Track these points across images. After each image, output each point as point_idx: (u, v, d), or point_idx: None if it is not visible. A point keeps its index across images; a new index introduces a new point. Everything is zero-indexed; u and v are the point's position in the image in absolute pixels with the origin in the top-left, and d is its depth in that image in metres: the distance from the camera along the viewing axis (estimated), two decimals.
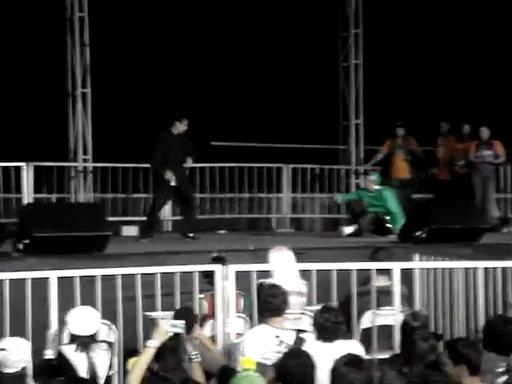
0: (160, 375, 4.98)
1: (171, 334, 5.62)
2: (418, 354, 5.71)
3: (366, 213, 12.15)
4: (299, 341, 6.26)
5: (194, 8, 14.98)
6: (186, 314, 6.26)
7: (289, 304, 6.63)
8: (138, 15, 14.78)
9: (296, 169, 14.32)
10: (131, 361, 5.88)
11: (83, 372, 6.12)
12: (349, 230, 12.24)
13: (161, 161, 11.58)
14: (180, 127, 11.73)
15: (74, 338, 6.28)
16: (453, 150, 14.33)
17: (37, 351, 6.55)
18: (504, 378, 5.14)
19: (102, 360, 6.24)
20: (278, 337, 6.26)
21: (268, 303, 6.40)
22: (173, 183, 11.48)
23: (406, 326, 6.16)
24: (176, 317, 6.14)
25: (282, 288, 6.57)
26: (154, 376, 5.11)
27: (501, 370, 5.12)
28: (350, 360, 4.94)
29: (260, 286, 6.84)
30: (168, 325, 5.62)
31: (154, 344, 5.41)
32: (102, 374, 6.20)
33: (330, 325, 6.17)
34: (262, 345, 6.22)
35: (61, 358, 6.22)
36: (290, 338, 6.28)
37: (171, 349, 5.68)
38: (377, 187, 12.25)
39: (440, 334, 6.39)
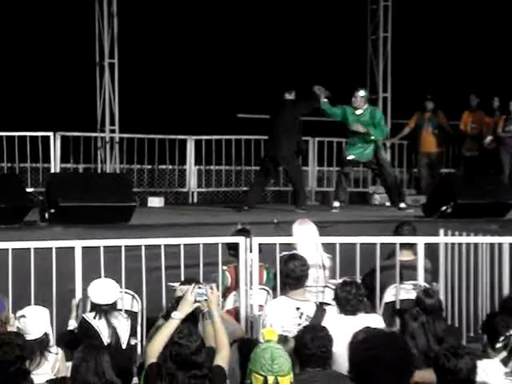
0: (174, 341, 4.99)
1: (198, 304, 5.65)
2: (410, 334, 5.71)
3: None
4: (320, 312, 6.28)
5: None
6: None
7: (309, 276, 6.63)
8: None
9: (322, 142, 14.28)
10: (152, 330, 5.95)
11: (105, 337, 6.22)
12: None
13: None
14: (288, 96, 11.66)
15: (94, 307, 6.37)
16: (481, 124, 14.20)
17: (61, 320, 6.64)
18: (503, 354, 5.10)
19: (123, 327, 6.35)
20: (298, 309, 6.28)
21: (287, 275, 6.42)
22: None
23: (416, 303, 6.13)
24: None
25: (302, 259, 6.57)
26: (170, 343, 5.12)
27: (498, 345, 5.08)
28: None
29: (282, 259, 6.85)
30: (194, 294, 5.63)
31: (178, 316, 5.43)
32: (123, 340, 6.30)
33: (352, 298, 6.18)
34: (283, 317, 6.25)
35: (83, 324, 6.32)
36: (310, 310, 6.30)
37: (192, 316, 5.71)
38: (365, 105, 11.88)
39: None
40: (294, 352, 5.32)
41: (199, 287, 5.70)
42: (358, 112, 11.67)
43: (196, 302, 5.58)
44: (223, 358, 5.36)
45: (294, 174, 11.76)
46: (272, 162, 11.77)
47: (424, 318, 5.77)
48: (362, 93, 11.88)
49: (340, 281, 6.73)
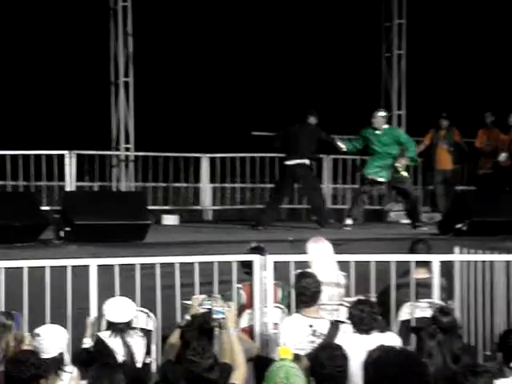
0: (187, 358, 4.98)
1: (203, 310, 5.82)
2: (427, 352, 5.66)
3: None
4: (333, 329, 6.26)
5: (239, 1, 14.97)
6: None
7: (322, 293, 6.63)
8: (180, 4, 14.82)
9: (336, 159, 14.27)
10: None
11: (120, 356, 6.23)
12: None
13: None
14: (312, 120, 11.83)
15: (109, 325, 6.38)
16: (496, 141, 14.16)
17: (76, 338, 6.64)
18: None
19: (138, 345, 6.36)
20: (311, 326, 6.27)
21: (301, 293, 6.41)
22: None
23: (433, 321, 6.09)
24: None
25: (315, 277, 6.57)
26: (182, 360, 5.12)
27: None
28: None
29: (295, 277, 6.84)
30: (201, 301, 5.84)
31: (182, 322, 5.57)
32: (139, 359, 6.29)
33: (365, 317, 6.15)
34: (296, 334, 6.23)
35: (98, 343, 6.32)
36: (323, 327, 6.29)
37: (202, 328, 5.74)
38: (385, 125, 11.93)
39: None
40: (309, 371, 5.30)
41: (214, 304, 5.79)
42: (378, 132, 11.72)
43: (213, 319, 5.65)
44: (239, 376, 5.35)
45: (313, 192, 11.82)
46: (289, 182, 11.84)
47: (441, 337, 5.73)
48: (381, 113, 11.94)
49: (354, 299, 6.71)
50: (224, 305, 5.94)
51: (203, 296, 6.19)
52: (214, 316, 5.90)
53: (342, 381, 5.20)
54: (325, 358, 5.18)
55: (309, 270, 6.90)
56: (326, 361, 5.17)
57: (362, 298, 6.50)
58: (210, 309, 5.97)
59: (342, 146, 11.94)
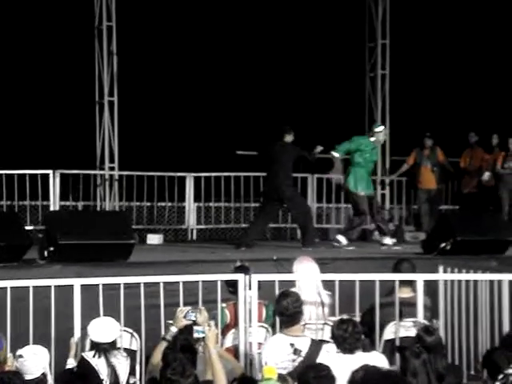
0: (167, 377, 4.96)
1: (188, 322, 5.96)
2: (411, 371, 5.66)
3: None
4: (314, 347, 6.26)
5: (223, 18, 15.03)
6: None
7: (304, 312, 6.62)
8: (165, 23, 14.85)
9: (320, 179, 14.30)
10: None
11: (104, 376, 6.20)
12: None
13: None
14: (289, 138, 11.86)
15: (94, 345, 6.35)
16: (480, 161, 14.24)
17: (60, 358, 6.60)
18: None
19: (122, 366, 6.33)
20: (292, 345, 6.26)
21: (281, 313, 6.42)
22: None
23: (418, 340, 6.09)
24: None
25: (296, 296, 6.56)
26: (162, 379, 5.11)
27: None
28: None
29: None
30: (185, 313, 6.06)
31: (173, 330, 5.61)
32: (123, 379, 6.27)
33: (348, 337, 6.15)
34: (277, 354, 6.23)
35: (82, 363, 6.29)
36: (304, 345, 6.28)
37: (183, 347, 5.75)
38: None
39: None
40: None
41: (199, 316, 5.99)
42: (372, 144, 11.93)
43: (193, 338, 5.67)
44: None
45: (298, 211, 11.82)
46: (273, 203, 11.84)
47: (425, 356, 5.73)
48: (382, 127, 12.35)
49: (338, 318, 6.71)
50: (207, 316, 5.99)
51: (188, 308, 6.22)
52: (195, 335, 5.93)
53: None
54: (311, 378, 5.18)
55: (292, 289, 6.89)
56: (312, 380, 5.17)
57: (344, 317, 6.50)
58: (194, 321, 6.01)
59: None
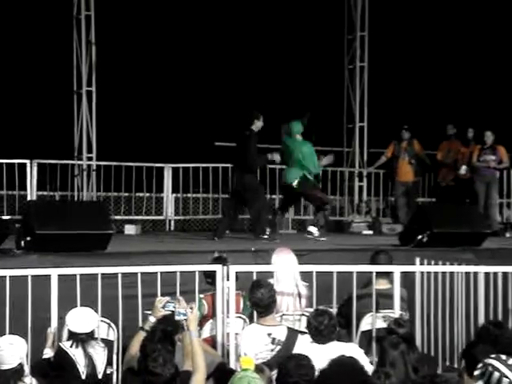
0: (148, 369, 4.96)
1: (167, 312, 5.96)
2: (390, 362, 5.68)
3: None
4: (291, 335, 6.29)
5: (199, 8, 15.01)
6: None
7: (278, 302, 6.65)
8: (143, 13, 14.82)
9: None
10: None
11: (81, 367, 6.19)
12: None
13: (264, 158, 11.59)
14: (259, 124, 11.56)
15: (71, 335, 6.34)
16: (457, 153, 14.32)
17: (37, 349, 6.59)
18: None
19: (100, 356, 6.32)
20: (269, 334, 6.30)
21: (256, 303, 6.45)
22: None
23: (388, 333, 6.12)
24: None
25: (269, 286, 6.59)
26: (142, 371, 5.10)
27: (476, 372, 5.08)
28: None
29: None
30: (163, 302, 6.08)
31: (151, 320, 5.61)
32: (99, 369, 6.27)
33: (323, 328, 6.17)
34: (255, 344, 6.25)
35: (60, 353, 6.29)
36: (281, 334, 6.32)
37: (164, 333, 5.76)
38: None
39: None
40: (276, 380, 5.32)
41: (173, 303, 6.01)
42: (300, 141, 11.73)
43: (175, 321, 5.70)
44: (199, 379, 5.35)
45: (252, 203, 11.66)
46: (238, 193, 11.76)
47: (403, 347, 5.75)
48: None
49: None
50: (186, 306, 6.00)
51: (166, 298, 6.22)
52: (176, 317, 5.95)
53: None
54: (292, 367, 5.20)
55: (267, 280, 6.90)
56: (292, 369, 5.19)
57: (320, 308, 6.53)
58: (172, 311, 6.02)
59: (277, 158, 11.82)
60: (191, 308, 5.92)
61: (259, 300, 6.42)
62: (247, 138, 11.47)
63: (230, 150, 12.58)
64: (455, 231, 10.21)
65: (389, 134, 14.39)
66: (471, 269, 7.96)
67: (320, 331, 6.16)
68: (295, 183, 11.57)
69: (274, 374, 5.81)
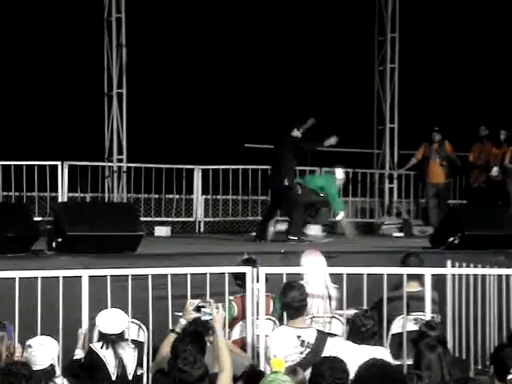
0: (178, 367, 4.95)
1: (198, 315, 5.97)
2: (426, 364, 5.63)
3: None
4: (321, 338, 6.27)
5: (231, 8, 15.01)
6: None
7: (309, 305, 6.63)
8: (174, 15, 14.85)
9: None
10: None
11: (112, 367, 6.21)
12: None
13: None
14: (297, 133, 11.82)
15: (102, 336, 6.37)
16: (489, 155, 14.21)
17: (68, 349, 6.62)
18: None
19: (130, 357, 6.34)
20: (299, 337, 6.27)
21: (287, 305, 6.42)
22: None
23: (420, 336, 6.08)
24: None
25: (301, 289, 6.56)
26: (172, 370, 5.10)
27: (510, 377, 5.03)
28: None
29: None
30: (194, 306, 6.02)
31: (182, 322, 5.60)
32: (130, 370, 6.28)
33: (364, 330, 6.18)
34: (285, 347, 6.24)
35: (90, 354, 6.31)
36: (311, 337, 6.29)
37: (194, 335, 5.76)
38: None
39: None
40: (308, 381, 5.29)
41: (204, 306, 5.97)
42: None
43: (201, 322, 5.72)
44: (225, 379, 5.34)
45: (284, 205, 11.85)
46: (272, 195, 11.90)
47: (440, 349, 5.71)
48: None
49: (348, 311, 6.72)
50: (213, 306, 5.99)
51: (197, 300, 6.20)
52: (203, 317, 5.95)
53: None
54: (326, 369, 5.17)
55: (295, 282, 6.88)
56: (326, 372, 5.16)
57: (370, 312, 6.51)
58: (199, 309, 6.01)
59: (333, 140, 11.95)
60: (217, 308, 5.92)
61: (292, 301, 6.39)
62: (289, 143, 11.57)
63: (262, 151, 12.60)
64: (487, 233, 10.12)
65: (419, 136, 14.32)
66: (503, 271, 7.90)
67: (361, 332, 6.16)
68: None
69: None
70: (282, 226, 11.90)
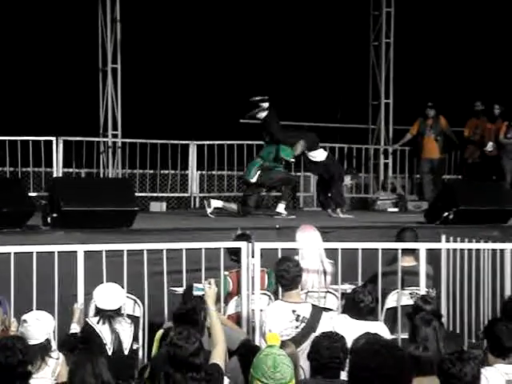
0: (173, 342, 4.96)
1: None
2: (422, 338, 5.65)
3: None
4: (316, 313, 6.29)
5: None
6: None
7: (304, 278, 6.65)
8: None
9: (325, 148, 14.24)
10: (158, 333, 6.02)
11: (108, 343, 6.23)
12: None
13: None
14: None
15: (98, 311, 6.38)
16: (484, 131, 14.20)
17: (63, 324, 6.64)
18: None
19: (126, 332, 6.36)
20: (294, 311, 6.30)
21: (281, 276, 6.44)
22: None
23: (415, 310, 6.11)
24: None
25: (296, 261, 6.60)
26: (167, 345, 5.11)
27: None
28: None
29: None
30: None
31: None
32: (126, 345, 6.30)
33: (363, 306, 6.20)
34: (280, 321, 6.26)
35: (87, 328, 6.33)
36: (306, 311, 6.32)
37: (190, 310, 5.78)
38: None
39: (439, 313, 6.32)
40: (307, 356, 5.31)
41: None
42: None
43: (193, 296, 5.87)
44: (219, 353, 5.36)
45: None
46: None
47: (436, 323, 5.73)
48: None
49: (343, 286, 6.75)
50: (205, 282, 6.00)
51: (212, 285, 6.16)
52: (194, 292, 5.95)
53: (337, 372, 5.20)
54: (324, 348, 5.17)
55: (289, 256, 6.90)
56: (324, 351, 5.17)
57: (369, 287, 6.52)
58: (202, 295, 5.98)
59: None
60: (209, 283, 5.93)
61: (285, 272, 6.41)
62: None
63: (257, 127, 12.57)
64: (481, 208, 10.14)
65: (414, 111, 14.30)
66: (497, 246, 7.93)
67: (360, 308, 6.18)
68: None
69: (298, 350, 5.83)
70: (218, 203, 11.77)
